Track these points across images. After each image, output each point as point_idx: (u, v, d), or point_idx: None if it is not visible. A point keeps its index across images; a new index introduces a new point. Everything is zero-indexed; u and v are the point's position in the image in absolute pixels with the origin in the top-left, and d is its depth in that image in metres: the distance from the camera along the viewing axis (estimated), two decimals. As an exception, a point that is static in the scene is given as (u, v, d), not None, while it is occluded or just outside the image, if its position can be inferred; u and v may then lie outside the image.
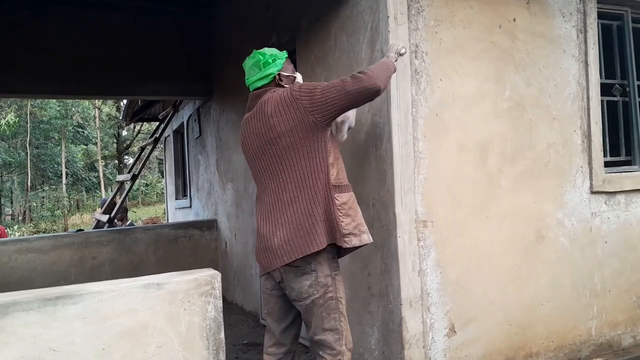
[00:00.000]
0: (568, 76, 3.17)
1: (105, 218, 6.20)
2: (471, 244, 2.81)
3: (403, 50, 2.40)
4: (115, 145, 23.66)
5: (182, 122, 7.61)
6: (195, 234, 5.87)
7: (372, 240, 2.27)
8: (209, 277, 2.16)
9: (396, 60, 2.35)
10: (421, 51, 2.71)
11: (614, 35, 3.53)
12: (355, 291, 2.95)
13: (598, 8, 3.30)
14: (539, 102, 3.05)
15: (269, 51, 2.35)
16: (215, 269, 5.72)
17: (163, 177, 27.34)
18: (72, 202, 26.99)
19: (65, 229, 20.33)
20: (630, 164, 3.55)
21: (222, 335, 2.16)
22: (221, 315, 2.17)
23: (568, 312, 3.11)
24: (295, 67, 3.61)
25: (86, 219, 23.35)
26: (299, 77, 2.41)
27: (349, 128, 2.52)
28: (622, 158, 3.54)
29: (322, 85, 2.16)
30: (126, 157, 24.91)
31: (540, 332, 3.00)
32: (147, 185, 29.48)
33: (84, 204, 28.08)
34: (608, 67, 3.44)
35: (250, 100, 2.38)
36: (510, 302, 2.91)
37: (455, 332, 2.74)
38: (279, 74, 2.32)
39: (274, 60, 2.31)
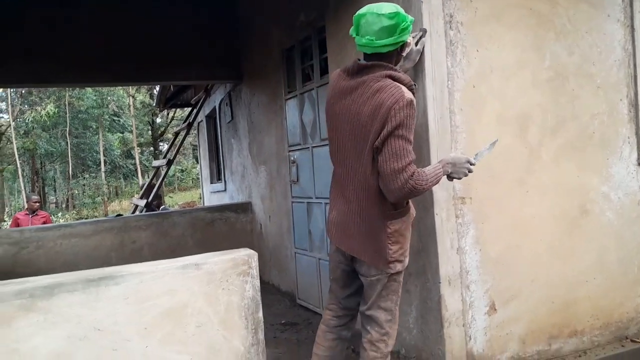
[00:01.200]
0: (613, 42, 3.00)
1: (142, 202, 6.34)
2: (512, 219, 2.73)
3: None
4: (150, 132, 24.11)
5: (214, 107, 7.66)
6: (230, 216, 5.94)
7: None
8: (246, 257, 2.16)
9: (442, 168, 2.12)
10: (456, 21, 2.60)
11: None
12: (392, 270, 2.91)
13: (645, -33, 3.10)
14: (582, 71, 2.91)
15: (404, 14, 2.05)
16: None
17: (197, 162, 27.87)
18: (111, 189, 27.84)
19: (106, 215, 20.99)
20: (681, 133, 3.36)
21: (261, 314, 2.18)
22: (259, 294, 2.18)
23: (615, 289, 3.00)
24: (324, 45, 3.57)
25: (125, 205, 24.06)
26: (413, 45, 2.24)
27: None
28: (673, 127, 3.34)
29: (407, 148, 1.95)
30: (161, 143, 25.41)
31: (585, 310, 2.90)
32: (182, 171, 30.07)
33: (122, 191, 28.91)
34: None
35: (355, 67, 2.11)
36: (553, 279, 2.82)
37: (496, 310, 2.68)
38: (403, 43, 2.10)
39: (406, 27, 2.04)
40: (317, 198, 3.96)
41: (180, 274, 2.04)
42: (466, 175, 2.17)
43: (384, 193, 2.06)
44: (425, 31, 2.48)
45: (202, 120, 8.68)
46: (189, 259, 2.14)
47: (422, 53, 2.49)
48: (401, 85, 2.01)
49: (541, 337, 2.78)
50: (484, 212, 2.66)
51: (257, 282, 2.18)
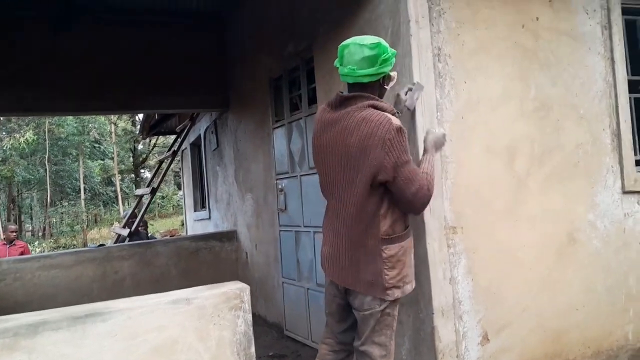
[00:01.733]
0: (594, 74, 3.09)
1: (125, 232, 6.22)
2: (502, 249, 2.74)
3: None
4: (131, 159, 23.89)
5: (199, 135, 7.64)
6: (215, 245, 5.86)
7: (412, 288, 2.21)
8: (238, 291, 2.12)
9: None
10: (444, 54, 2.66)
11: (638, 30, 3.44)
12: (383, 300, 2.88)
13: (622, 3, 3.22)
14: (566, 102, 2.98)
15: (387, 46, 2.09)
16: (236, 280, 5.69)
17: (179, 189, 27.54)
18: (90, 216, 27.29)
19: (85, 244, 20.54)
20: (662, 162, 3.44)
21: (253, 349, 2.12)
22: (251, 329, 2.14)
23: (603, 317, 3.01)
24: (314, 75, 3.61)
25: (104, 233, 23.57)
26: (395, 76, 2.21)
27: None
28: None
29: (413, 168, 2.05)
30: (142, 170, 25.16)
31: (576, 339, 2.90)
32: (163, 197, 29.67)
33: (102, 218, 28.36)
34: (634, 63, 3.34)
35: (338, 100, 2.14)
36: (544, 308, 2.82)
37: (488, 340, 2.66)
38: (385, 76, 2.13)
39: (387, 59, 2.07)
40: (305, 227, 3.93)
41: (170, 309, 1.98)
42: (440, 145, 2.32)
43: (406, 212, 2.14)
44: (419, 86, 2.44)
45: (186, 148, 8.65)
46: (179, 293, 2.09)
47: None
48: (385, 113, 2.04)
49: (534, 367, 2.77)
50: (474, 241, 2.67)
51: (250, 317, 2.13)
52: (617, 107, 3.13)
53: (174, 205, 28.59)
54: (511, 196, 2.79)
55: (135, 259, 5.46)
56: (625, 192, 3.13)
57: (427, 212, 2.52)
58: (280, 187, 4.35)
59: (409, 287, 2.18)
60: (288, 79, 4.20)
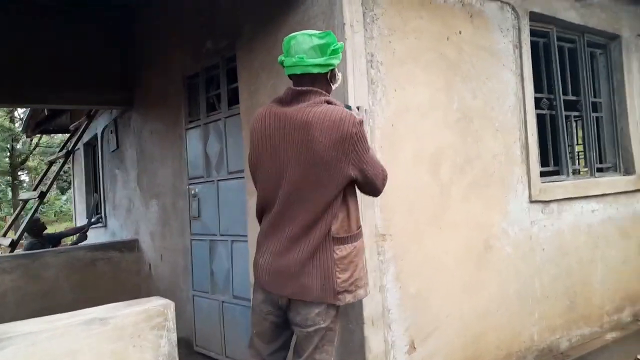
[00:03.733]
0: (508, 89, 3.27)
1: (7, 241, 5.49)
2: (428, 255, 2.78)
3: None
4: (7, 160, 21.45)
5: (96, 134, 7.01)
6: (114, 256, 5.37)
7: (366, 294, 2.10)
8: (161, 307, 1.91)
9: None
10: (376, 60, 2.64)
11: (541, 51, 3.73)
12: (309, 311, 2.78)
13: (530, 25, 3.46)
14: (484, 114, 3.12)
15: (335, 38, 2.00)
16: (137, 294, 5.24)
17: (62, 193, 25.22)
18: (-46, 224, 24.04)
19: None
20: (559, 174, 3.75)
21: (178, 372, 1.91)
22: (176, 349, 1.93)
23: (514, 320, 3.18)
24: (236, 74, 3.43)
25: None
26: (338, 78, 2.12)
27: None
28: (551, 168, 3.72)
29: (374, 156, 2.06)
30: (21, 172, 22.71)
31: (491, 341, 3.02)
32: (43, 203, 27.04)
33: (-30, 226, 25.12)
34: (536, 81, 3.61)
35: (290, 94, 2.01)
36: (465, 313, 2.91)
37: (415, 348, 2.67)
38: (333, 70, 2.04)
39: (335, 50, 1.99)
40: (222, 235, 3.72)
41: (83, 331, 1.72)
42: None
43: (368, 194, 2.14)
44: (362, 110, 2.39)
45: (78, 148, 7.89)
46: (93, 312, 1.82)
47: (345, 92, 2.47)
48: (343, 109, 1.98)
49: (455, 371, 2.83)
50: (402, 248, 2.67)
51: (174, 336, 1.92)
52: (525, 121, 3.35)
53: (56, 211, 26.17)
54: (436, 203, 2.84)
55: (19, 271, 4.81)
56: (532, 201, 3.35)
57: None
58: (193, 192, 4.08)
59: (362, 292, 2.05)
60: (205, 77, 3.96)
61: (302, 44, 1.97)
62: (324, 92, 2.01)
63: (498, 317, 3.07)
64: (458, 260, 2.91)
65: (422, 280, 2.73)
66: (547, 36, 3.74)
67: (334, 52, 1.98)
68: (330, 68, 2.01)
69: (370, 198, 2.49)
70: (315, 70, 1.98)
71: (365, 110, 2.45)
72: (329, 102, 1.98)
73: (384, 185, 2.11)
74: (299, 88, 2.01)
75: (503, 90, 3.24)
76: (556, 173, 3.75)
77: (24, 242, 6.01)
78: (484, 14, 3.17)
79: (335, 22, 2.55)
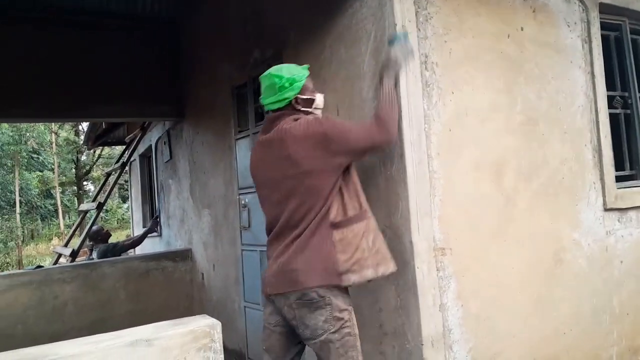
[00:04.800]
0: (576, 88, 3.00)
1: (67, 251, 5.67)
2: (491, 271, 2.56)
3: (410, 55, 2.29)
4: (74, 170, 22.61)
5: (150, 145, 7.18)
6: (168, 265, 5.42)
7: (380, 274, 2.09)
8: (207, 328, 1.81)
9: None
10: (431, 62, 2.47)
11: (612, 46, 3.42)
12: (363, 329, 2.61)
13: (600, 18, 3.17)
14: (550, 116, 2.87)
15: (286, 73, 2.17)
16: (191, 304, 5.22)
17: (124, 202, 26.29)
18: (26, 231, 25.56)
19: (20, 261, 19.15)
20: (635, 179, 3.41)
21: (226, 396, 1.82)
22: (224, 372, 1.83)
23: (590, 340, 2.89)
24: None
25: (41, 249, 22.10)
26: (318, 99, 2.26)
27: None
28: (627, 172, 3.39)
29: (354, 128, 2.13)
30: (85, 183, 23.89)
31: (564, 364, 2.76)
32: (107, 211, 28.26)
33: (39, 234, 26.63)
34: (608, 78, 3.30)
35: (267, 122, 2.25)
36: (533, 334, 2.66)
37: (479, 371, 2.46)
38: (295, 98, 2.18)
39: (291, 84, 2.15)
40: (272, 247, 3.63)
41: (127, 354, 1.64)
42: (402, 63, 2.27)
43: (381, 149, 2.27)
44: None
45: (134, 160, 8.12)
46: (137, 332, 1.75)
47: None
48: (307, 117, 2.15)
49: (524, 397, 2.59)
50: (464, 264, 2.47)
51: (221, 357, 1.82)
52: (597, 122, 3.06)
53: (118, 219, 27.31)
54: (500, 215, 2.62)
55: (79, 281, 4.94)
56: (606, 209, 3.05)
57: (415, 232, 2.32)
58: (243, 202, 4.03)
59: (370, 272, 2.05)
60: (253, 87, 3.91)
61: (262, 85, 2.23)
62: (294, 112, 2.17)
63: (571, 338, 2.80)
64: (525, 276, 2.67)
65: (485, 298, 2.52)
66: (619, 29, 3.42)
67: (281, 88, 2.14)
68: (288, 101, 2.16)
69: (426, 207, 2.34)
70: (275, 107, 2.18)
71: (408, 36, 2.33)
72: (297, 119, 2.13)
73: (385, 134, 2.13)
74: (272, 114, 2.22)
75: (571, 89, 2.97)
76: (633, 178, 3.41)
77: (93, 250, 6.18)
78: (548, 7, 2.93)
79: (386, 24, 2.41)
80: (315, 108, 2.24)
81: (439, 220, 2.41)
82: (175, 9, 5.42)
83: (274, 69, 2.21)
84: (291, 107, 2.18)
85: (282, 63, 3.32)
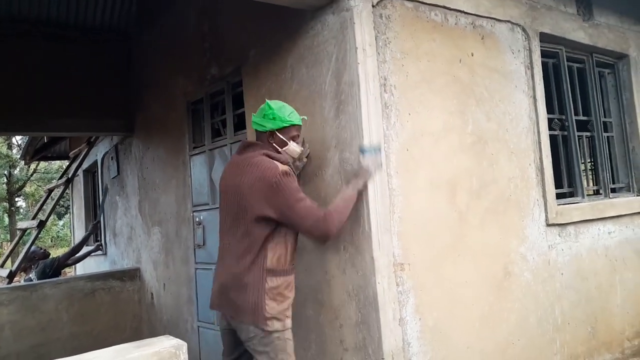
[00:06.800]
0: (521, 110, 3.20)
1: (5, 272, 5.33)
2: (446, 285, 2.66)
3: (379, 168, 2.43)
4: (4, 186, 21.28)
5: (95, 161, 6.92)
6: (115, 285, 5.22)
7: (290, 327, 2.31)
8: (173, 349, 1.77)
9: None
10: (390, 84, 2.57)
11: (551, 72, 3.68)
12: (323, 345, 2.66)
13: (540, 46, 3.41)
14: (498, 136, 3.04)
15: (277, 109, 2.36)
16: (139, 324, 5.06)
17: (59, 219, 24.95)
18: (-51, 251, 23.68)
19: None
20: (573, 196, 3.66)
21: (191, 419, 1.78)
22: (189, 394, 1.79)
23: (536, 349, 3.05)
24: (241, 99, 3.37)
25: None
26: (292, 145, 2.40)
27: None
28: (566, 190, 3.64)
29: (304, 203, 2.22)
30: (18, 198, 22.51)
31: (514, 373, 2.89)
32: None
33: (-35, 254, 24.74)
34: (547, 102, 3.53)
35: (242, 145, 2.44)
36: (486, 344, 2.78)
37: (437, 383, 2.54)
38: (272, 131, 2.36)
39: (273, 119, 2.35)
40: (228, 264, 3.59)
41: (89, 379, 1.59)
42: (372, 173, 2.37)
43: (311, 239, 2.40)
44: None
45: (78, 175, 7.79)
46: (99, 356, 1.69)
47: (359, 116, 2.41)
48: (275, 161, 2.28)
49: (477, 407, 2.69)
50: (421, 278, 2.56)
51: (187, 380, 1.79)
52: (540, 142, 3.27)
53: (53, 236, 25.88)
54: (454, 231, 2.74)
55: (17, 304, 4.65)
56: (548, 225, 3.25)
57: (375, 248, 2.38)
58: (198, 220, 3.97)
59: (289, 322, 2.29)
60: (210, 102, 3.89)
61: (260, 107, 2.45)
62: (266, 146, 2.35)
63: (520, 348, 2.94)
64: (477, 289, 2.79)
65: (441, 311, 2.61)
66: (556, 56, 3.69)
67: (265, 116, 2.36)
68: (265, 129, 2.35)
69: (386, 224, 2.42)
70: (255, 127, 2.41)
71: (379, 149, 2.44)
72: (267, 155, 2.30)
73: (320, 235, 2.24)
74: (247, 141, 2.47)
75: (516, 112, 3.17)
76: (570, 195, 3.66)
77: (31, 269, 5.82)
78: (494, 35, 3.12)
79: (347, 46, 2.49)
80: (285, 151, 2.39)
81: (398, 237, 2.50)
82: (129, 21, 5.32)
83: (273, 101, 2.42)
84: (266, 139, 2.37)
85: (241, 80, 3.36)
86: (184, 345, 1.80)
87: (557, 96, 3.68)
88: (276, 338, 2.22)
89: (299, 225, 2.24)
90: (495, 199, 2.96)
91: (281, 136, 2.37)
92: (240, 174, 2.29)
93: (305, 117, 2.53)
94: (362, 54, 2.46)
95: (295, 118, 2.39)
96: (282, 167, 2.24)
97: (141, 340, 1.85)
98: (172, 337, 1.86)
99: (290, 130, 2.39)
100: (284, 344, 2.24)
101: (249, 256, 2.23)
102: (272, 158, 2.30)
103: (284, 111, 2.36)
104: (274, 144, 2.37)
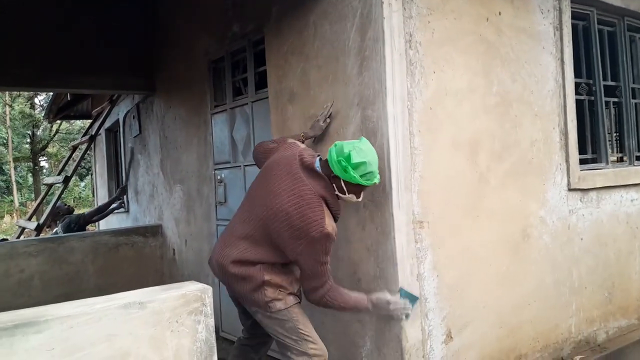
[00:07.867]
0: (547, 73, 3.15)
1: (32, 225, 5.52)
2: (464, 245, 2.69)
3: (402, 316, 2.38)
4: (28, 146, 21.71)
5: (117, 120, 7.01)
6: (138, 241, 5.37)
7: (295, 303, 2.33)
8: (199, 292, 1.85)
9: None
10: (415, 41, 2.54)
11: (580, 34, 3.58)
12: (341, 299, 2.72)
13: (571, 7, 3.31)
14: (523, 98, 3.00)
15: (355, 167, 2.16)
16: (161, 279, 5.20)
17: (81, 180, 25.45)
18: (-26, 209, 24.48)
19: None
20: (596, 162, 3.61)
21: (215, 358, 1.87)
22: (213, 335, 1.87)
23: (551, 311, 3.08)
24: (263, 57, 3.35)
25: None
26: (349, 197, 2.27)
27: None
28: (589, 155, 3.59)
29: (324, 269, 2.21)
30: (41, 158, 22.98)
31: (528, 333, 2.94)
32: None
33: (-9, 211, 25.57)
34: (575, 66, 3.46)
35: (304, 158, 2.30)
36: (502, 304, 2.82)
37: (452, 338, 2.60)
38: (337, 177, 2.22)
39: (345, 171, 2.17)
40: (249, 221, 3.66)
41: (121, 316, 1.67)
42: (394, 314, 2.36)
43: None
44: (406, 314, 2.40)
45: (100, 134, 7.91)
46: (131, 295, 1.77)
47: (383, 73, 2.39)
48: (326, 211, 2.19)
49: (490, 363, 2.76)
50: (440, 236, 2.59)
51: (212, 322, 1.87)
52: (565, 106, 3.22)
53: (75, 197, 26.48)
54: (473, 191, 2.75)
55: (45, 255, 4.84)
56: (570, 190, 3.23)
57: (395, 206, 2.41)
58: (219, 178, 4.04)
59: (291, 298, 2.32)
60: (231, 61, 3.89)
61: (348, 142, 2.29)
62: (324, 184, 2.23)
63: (535, 309, 2.98)
64: (495, 250, 2.82)
65: (459, 270, 2.65)
66: (587, 19, 3.58)
67: (332, 160, 2.21)
68: (332, 173, 2.22)
69: (407, 182, 2.44)
70: (328, 158, 2.25)
71: (416, 300, 2.42)
72: (324, 199, 2.21)
73: (312, 298, 2.26)
74: (313, 158, 2.31)
75: (543, 74, 3.11)
76: (594, 161, 3.62)
77: (57, 222, 6.02)
78: (524, -7, 3.04)
79: (372, 1, 2.45)
80: (343, 198, 2.29)
81: (418, 195, 2.51)
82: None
83: (359, 150, 2.18)
84: (330, 177, 2.24)
85: (263, 38, 3.34)
86: (209, 289, 1.88)
87: (586, 60, 3.59)
88: (281, 315, 2.27)
89: (305, 278, 2.25)
90: (516, 162, 2.94)
91: (345, 187, 2.24)
92: (286, 192, 2.21)
93: (377, 181, 2.27)
94: (387, 9, 2.43)
95: (367, 181, 2.20)
96: (327, 229, 2.14)
97: (169, 285, 1.94)
98: (197, 282, 1.94)
99: (357, 187, 2.24)
100: (288, 323, 2.27)
101: (249, 254, 2.27)
102: (327, 204, 2.21)
103: (360, 170, 2.17)
104: (334, 185, 2.25)
